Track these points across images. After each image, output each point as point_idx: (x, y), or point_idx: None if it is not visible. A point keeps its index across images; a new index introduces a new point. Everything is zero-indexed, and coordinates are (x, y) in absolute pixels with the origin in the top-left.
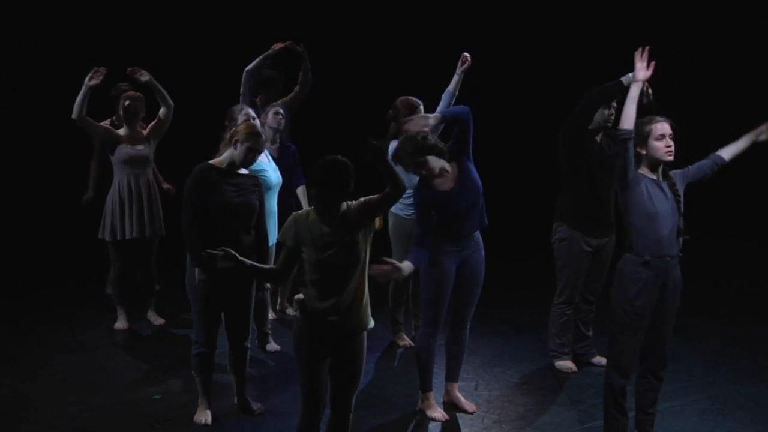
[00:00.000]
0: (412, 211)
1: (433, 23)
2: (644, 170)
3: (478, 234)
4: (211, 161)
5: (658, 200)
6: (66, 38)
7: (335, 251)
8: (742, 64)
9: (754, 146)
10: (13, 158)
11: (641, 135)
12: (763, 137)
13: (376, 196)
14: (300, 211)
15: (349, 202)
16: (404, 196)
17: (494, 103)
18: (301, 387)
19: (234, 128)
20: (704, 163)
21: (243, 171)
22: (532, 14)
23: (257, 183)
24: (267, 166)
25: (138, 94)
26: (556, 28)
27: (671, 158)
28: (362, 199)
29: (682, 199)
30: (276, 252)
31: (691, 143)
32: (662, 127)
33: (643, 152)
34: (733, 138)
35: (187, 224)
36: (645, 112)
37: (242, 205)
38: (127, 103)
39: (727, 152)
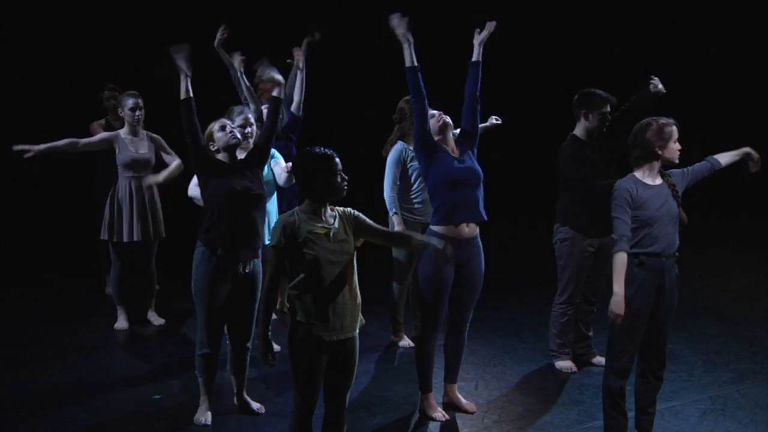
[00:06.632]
0: (416, 212)
1: (434, 22)
2: (639, 173)
3: (478, 238)
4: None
5: (653, 203)
6: (64, 39)
7: (324, 250)
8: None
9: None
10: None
11: (663, 136)
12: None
13: (377, 226)
14: (286, 213)
15: (345, 210)
16: (409, 198)
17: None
18: (296, 388)
19: None
20: (702, 165)
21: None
22: (532, 13)
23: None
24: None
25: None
26: (555, 27)
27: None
28: (366, 220)
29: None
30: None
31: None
32: (676, 129)
33: (660, 153)
34: (730, 147)
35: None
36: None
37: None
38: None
39: (724, 158)
